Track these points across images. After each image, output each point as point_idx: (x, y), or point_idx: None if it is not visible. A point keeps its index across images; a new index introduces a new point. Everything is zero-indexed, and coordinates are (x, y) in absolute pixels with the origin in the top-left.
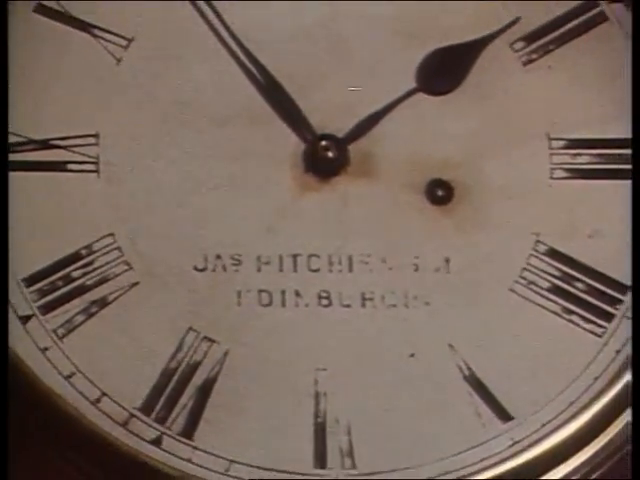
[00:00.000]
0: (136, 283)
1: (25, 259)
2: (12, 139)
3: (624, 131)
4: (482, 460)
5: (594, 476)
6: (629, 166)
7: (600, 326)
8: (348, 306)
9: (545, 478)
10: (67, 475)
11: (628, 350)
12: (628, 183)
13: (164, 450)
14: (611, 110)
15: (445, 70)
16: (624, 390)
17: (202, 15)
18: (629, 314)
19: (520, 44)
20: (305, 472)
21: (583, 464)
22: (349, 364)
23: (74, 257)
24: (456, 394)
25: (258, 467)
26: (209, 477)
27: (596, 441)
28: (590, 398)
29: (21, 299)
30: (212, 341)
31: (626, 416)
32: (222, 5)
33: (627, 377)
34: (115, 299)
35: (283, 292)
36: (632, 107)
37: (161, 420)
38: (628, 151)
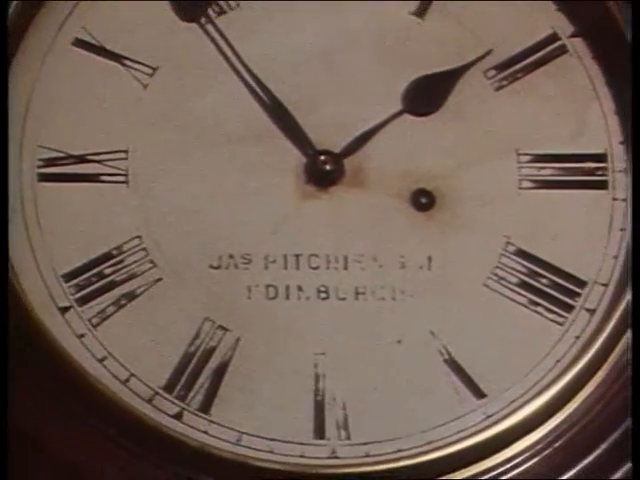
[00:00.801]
0: (160, 279)
1: (64, 258)
2: (53, 154)
3: (583, 147)
4: (459, 432)
5: (556, 445)
6: (587, 177)
7: (561, 316)
8: (343, 299)
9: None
10: (100, 445)
11: (586, 336)
12: (586, 192)
13: (184, 423)
14: (571, 129)
15: (427, 94)
16: (582, 371)
17: (217, 47)
18: (587, 305)
19: (492, 72)
20: (306, 442)
21: (546, 435)
22: (344, 349)
23: (106, 256)
24: (437, 375)
25: (265, 438)
26: (223, 447)
27: (557, 415)
28: (553, 378)
29: (60, 292)
30: (225, 329)
31: (583, 393)
32: (235, 38)
33: (585, 359)
34: (142, 293)
35: (287, 287)
36: (632, 107)
37: (181, 397)
38: (586, 165)
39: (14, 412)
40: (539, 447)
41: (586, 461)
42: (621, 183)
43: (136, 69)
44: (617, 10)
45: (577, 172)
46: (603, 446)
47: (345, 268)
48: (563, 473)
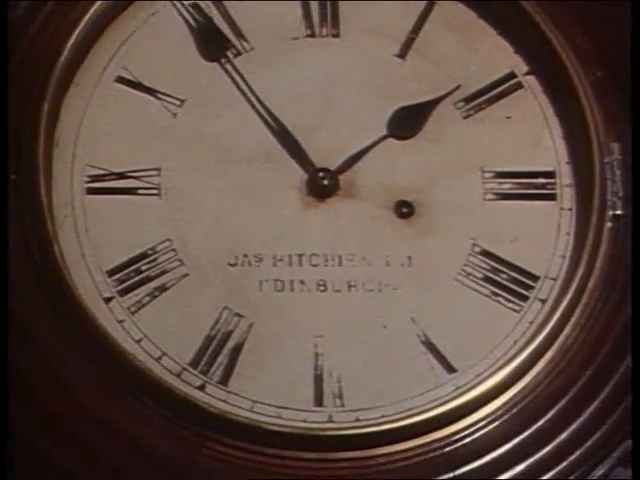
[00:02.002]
0: (186, 275)
1: (108, 257)
2: (99, 172)
3: (535, 166)
4: (434, 400)
5: (513, 411)
6: (539, 191)
7: (518, 305)
8: (338, 291)
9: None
10: (137, 411)
11: (538, 322)
12: (538, 203)
13: (206, 394)
14: (526, 151)
15: (408, 122)
16: (535, 351)
17: (234, 82)
18: (539, 296)
19: (461, 104)
20: (307, 409)
21: (505, 403)
22: (339, 332)
23: (142, 256)
24: (415, 354)
25: (274, 406)
26: (239, 413)
27: (514, 386)
28: (511, 356)
29: (105, 285)
30: (241, 316)
31: (535, 369)
32: (249, 75)
33: (537, 341)
34: (171, 286)
35: (292, 281)
36: (632, 109)
37: (204, 372)
38: (538, 180)
39: (68, 384)
40: (499, 413)
41: (537, 424)
42: (567, 195)
43: (167, 101)
44: (563, 53)
45: (531, 186)
46: (551, 412)
47: (340, 265)
48: (518, 434)
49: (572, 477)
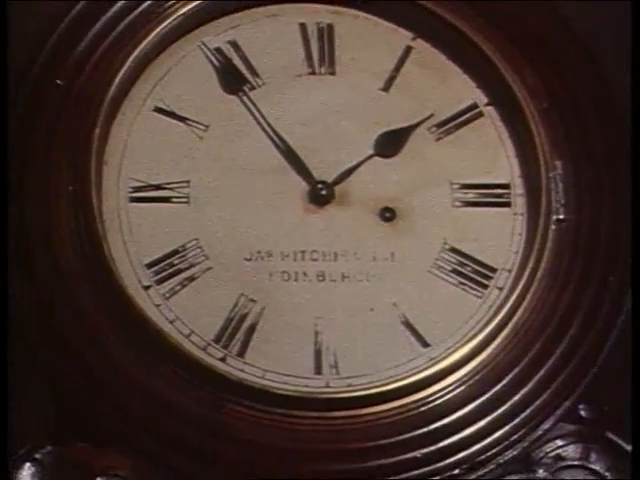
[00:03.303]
0: (210, 267)
1: (147, 252)
2: (140, 184)
3: (494, 179)
4: (412, 369)
5: (476, 378)
6: (497, 199)
7: (480, 292)
8: (334, 281)
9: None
10: (170, 379)
11: (496, 306)
12: (496, 209)
13: (227, 364)
14: (486, 167)
15: (390, 143)
16: (494, 329)
17: (249, 111)
18: (497, 285)
19: (433, 129)
20: (309, 377)
21: (469, 371)
22: (335, 315)
23: (174, 252)
24: (397, 332)
25: (281, 374)
26: (253, 380)
27: (477, 358)
28: (474, 333)
29: (144, 276)
30: (254, 302)
31: (494, 344)
32: (261, 105)
33: (495, 321)
34: (198, 277)
35: (296, 273)
36: (632, 110)
37: (225, 346)
38: (496, 191)
39: (114, 356)
40: (464, 379)
41: (495, 388)
42: (519, 203)
43: (195, 126)
44: (516, 88)
45: (490, 196)
46: (506, 379)
47: (335, 260)
48: (480, 397)
49: (523, 430)
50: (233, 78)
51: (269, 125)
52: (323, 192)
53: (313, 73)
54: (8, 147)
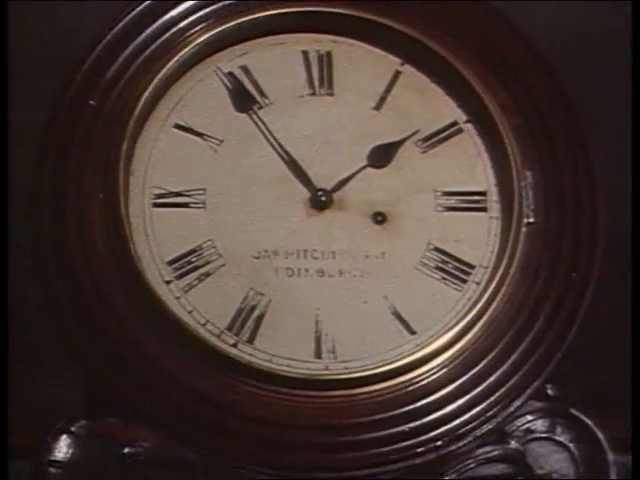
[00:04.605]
0: (223, 264)
1: (168, 251)
2: (161, 192)
3: (472, 187)
4: (400, 354)
5: (456, 362)
6: (475, 205)
7: (460, 286)
8: (332, 276)
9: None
10: (186, 361)
11: (474, 298)
12: (474, 213)
13: (238, 349)
14: (465, 177)
15: (381, 156)
16: (472, 319)
17: (258, 127)
18: (475, 280)
19: (419, 143)
20: (310, 360)
21: (451, 355)
22: (333, 306)
23: (192, 251)
24: (387, 321)
25: (286, 358)
26: (262, 363)
27: (457, 344)
28: (455, 322)
29: (166, 272)
30: (262, 295)
31: (472, 332)
32: (268, 121)
33: (474, 312)
34: (213, 273)
35: (299, 269)
36: (632, 112)
37: (237, 334)
38: (474, 197)
39: (139, 342)
40: (446, 363)
41: (473, 371)
42: (495, 208)
43: (210, 141)
44: (491, 107)
45: (469, 202)
46: (483, 362)
47: (333, 258)
48: (460, 378)
49: (498, 407)
50: (244, 98)
51: (275, 139)
52: (322, 198)
53: (314, 94)
54: (8, 146)
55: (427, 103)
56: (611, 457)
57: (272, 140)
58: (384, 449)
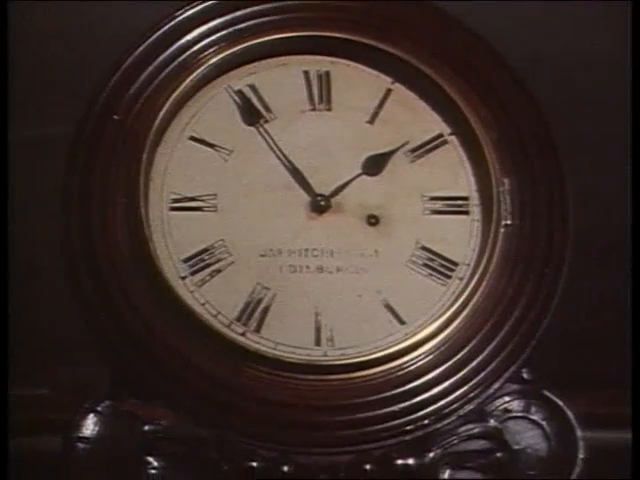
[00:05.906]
0: (233, 262)
1: (183, 250)
2: (177, 196)
3: (456, 192)
4: (391, 342)
5: (442, 349)
6: (458, 208)
7: (445, 281)
8: (331, 273)
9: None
10: (199, 348)
11: (457, 292)
12: (458, 216)
13: (246, 338)
14: (450, 183)
15: (375, 165)
16: (456, 311)
17: (264, 139)
18: (458, 276)
19: (408, 153)
20: (310, 348)
21: (436, 344)
22: (331, 299)
23: (205, 249)
24: (380, 313)
25: (289, 345)
26: (267, 350)
27: (442, 333)
28: (440, 314)
29: (181, 269)
30: (268, 289)
31: (455, 322)
32: (273, 134)
33: (457, 304)
34: (223, 269)
35: (301, 266)
36: (631, 112)
37: (245, 324)
38: (457, 202)
39: (156, 331)
40: (432, 350)
41: (456, 357)
42: (476, 211)
43: (221, 151)
44: (472, 120)
45: (453, 205)
46: (465, 350)
47: (332, 256)
48: (444, 364)
49: (478, 389)
50: (251, 113)
51: (279, 150)
52: (322, 203)
53: (314, 109)
54: (8, 147)
55: (415, 117)
56: (579, 433)
57: (277, 150)
58: (377, 427)
